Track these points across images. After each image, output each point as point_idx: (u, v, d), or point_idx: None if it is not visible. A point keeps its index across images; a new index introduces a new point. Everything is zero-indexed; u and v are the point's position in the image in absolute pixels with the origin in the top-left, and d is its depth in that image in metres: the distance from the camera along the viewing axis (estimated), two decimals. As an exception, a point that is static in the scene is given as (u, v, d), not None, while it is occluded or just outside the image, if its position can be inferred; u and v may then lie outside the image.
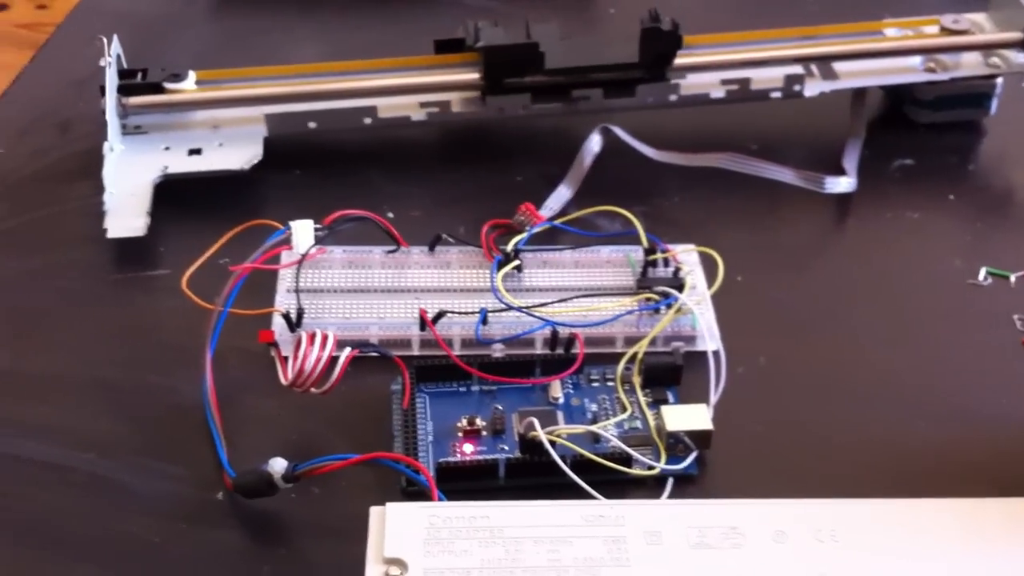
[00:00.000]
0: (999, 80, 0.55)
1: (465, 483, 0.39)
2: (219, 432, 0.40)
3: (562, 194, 0.51)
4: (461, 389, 0.42)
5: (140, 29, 0.55)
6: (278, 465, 0.37)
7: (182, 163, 0.51)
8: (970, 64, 0.55)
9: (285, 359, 0.40)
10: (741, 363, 0.44)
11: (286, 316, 0.43)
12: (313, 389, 0.40)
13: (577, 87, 0.53)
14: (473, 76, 0.53)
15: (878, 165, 0.54)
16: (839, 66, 0.55)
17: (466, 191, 0.53)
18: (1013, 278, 0.48)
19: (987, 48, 0.55)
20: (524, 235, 0.48)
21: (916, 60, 0.55)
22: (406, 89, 0.53)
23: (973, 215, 0.52)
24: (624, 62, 0.52)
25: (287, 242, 0.45)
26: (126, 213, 0.49)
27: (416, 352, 0.44)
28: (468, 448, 0.40)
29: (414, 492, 0.38)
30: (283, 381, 0.40)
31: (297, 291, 0.44)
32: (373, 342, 0.43)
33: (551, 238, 0.49)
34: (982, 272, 0.48)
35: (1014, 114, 0.56)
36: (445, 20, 0.54)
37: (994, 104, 0.56)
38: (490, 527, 0.34)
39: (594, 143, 0.53)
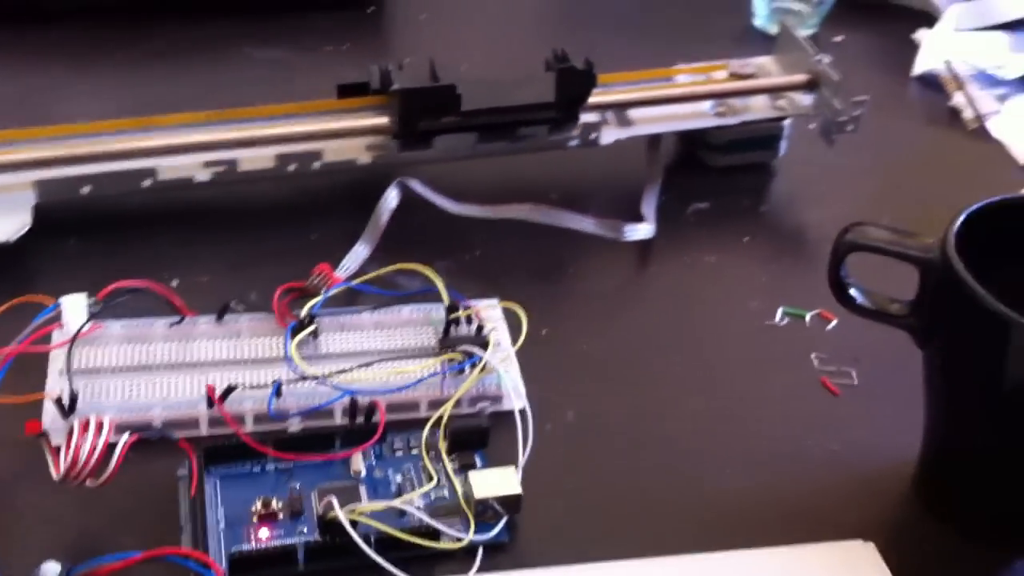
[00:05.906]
0: (786, 122, 0.57)
1: (262, 572, 0.36)
2: (-17, 536, 0.36)
3: (359, 253, 0.49)
4: (255, 469, 0.39)
5: None
6: (50, 571, 0.34)
7: (-60, 236, 0.47)
8: (758, 107, 0.56)
9: (57, 450, 0.37)
10: (549, 420, 0.43)
11: (58, 401, 0.40)
12: (89, 481, 0.37)
13: (491, 128, 0.51)
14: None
15: (676, 210, 0.54)
16: (633, 113, 0.55)
17: (258, 253, 0.50)
18: (808, 317, 0.49)
19: (774, 91, 0.57)
20: (320, 298, 0.45)
21: (707, 105, 0.56)
22: (189, 148, 0.50)
23: (768, 256, 0.53)
24: (539, 102, 0.51)
25: (58, 319, 0.42)
26: None
27: (205, 432, 0.41)
28: (264, 533, 0.37)
29: (205, 588, 0.35)
30: (54, 475, 0.37)
31: (69, 373, 0.41)
32: (157, 424, 0.40)
33: (349, 300, 0.47)
34: (779, 313, 0.49)
35: (802, 155, 0.58)
36: (229, 76, 0.52)
37: (783, 146, 0.57)
38: (287, 623, 0.31)
39: (391, 198, 0.51)
